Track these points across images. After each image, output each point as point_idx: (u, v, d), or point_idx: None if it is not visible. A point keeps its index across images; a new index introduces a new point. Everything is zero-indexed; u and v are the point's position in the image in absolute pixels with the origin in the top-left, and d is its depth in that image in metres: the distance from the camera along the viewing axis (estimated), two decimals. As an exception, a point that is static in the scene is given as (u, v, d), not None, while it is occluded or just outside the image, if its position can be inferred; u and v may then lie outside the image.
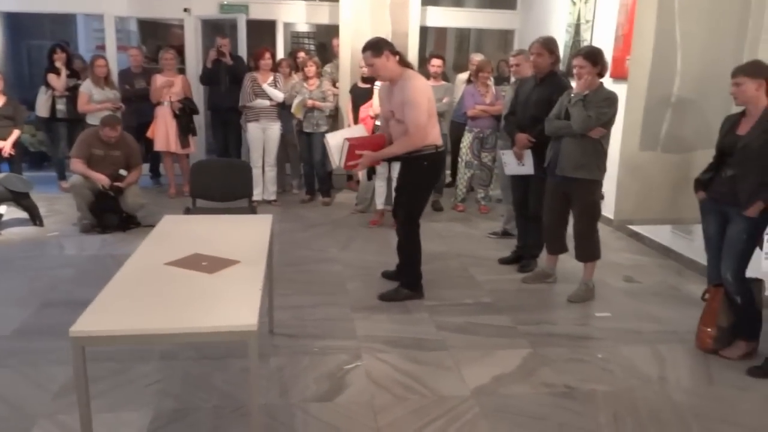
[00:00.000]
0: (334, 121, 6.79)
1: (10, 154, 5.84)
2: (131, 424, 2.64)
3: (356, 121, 6.23)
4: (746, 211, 3.15)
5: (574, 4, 6.69)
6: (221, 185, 4.56)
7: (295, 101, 6.22)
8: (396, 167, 4.93)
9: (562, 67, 6.08)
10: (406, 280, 4.12)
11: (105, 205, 5.34)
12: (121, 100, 6.51)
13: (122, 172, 5.36)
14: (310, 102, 6.22)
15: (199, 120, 7.03)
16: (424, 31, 7.74)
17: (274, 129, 6.42)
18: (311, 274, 4.54)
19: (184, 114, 6.55)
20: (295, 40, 10.00)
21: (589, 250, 4.15)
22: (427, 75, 6.10)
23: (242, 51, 7.31)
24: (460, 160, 6.32)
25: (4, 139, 5.81)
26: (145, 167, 6.77)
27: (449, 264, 4.85)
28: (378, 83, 6.07)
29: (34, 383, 2.94)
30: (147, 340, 2.28)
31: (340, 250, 5.10)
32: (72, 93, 6.57)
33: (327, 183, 6.70)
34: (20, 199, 5.35)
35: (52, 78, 6.56)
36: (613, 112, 3.88)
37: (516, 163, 4.61)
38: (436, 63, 6.29)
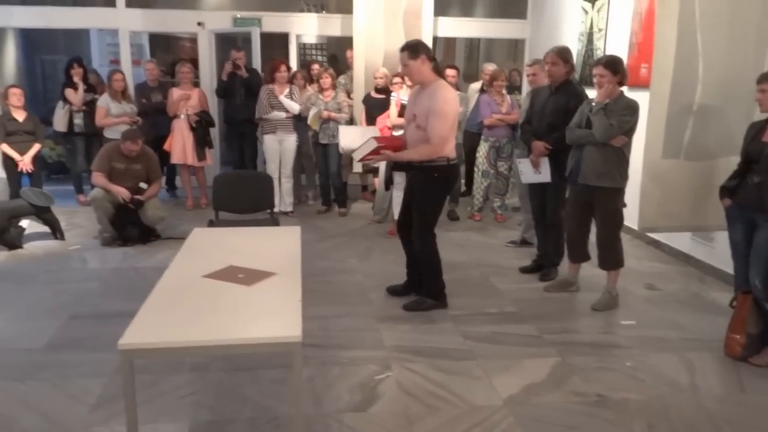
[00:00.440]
0: (349, 131, 6.83)
1: (30, 170, 5.89)
2: (169, 436, 2.66)
3: (372, 131, 6.28)
4: (774, 218, 3.17)
5: (586, 12, 6.73)
6: (243, 197, 4.60)
7: (311, 113, 6.26)
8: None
9: (576, 75, 6.14)
10: (429, 290, 4.12)
11: (125, 218, 5.38)
12: (138, 114, 6.57)
13: (142, 185, 5.40)
14: (325, 113, 6.26)
15: (213, 132, 7.09)
16: (434, 41, 7.78)
17: (291, 140, 6.46)
18: (333, 284, 4.56)
19: (201, 127, 6.60)
20: (305, 52, 10.07)
21: (612, 258, 4.16)
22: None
23: (256, 64, 7.37)
24: (476, 169, 6.35)
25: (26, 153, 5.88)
26: (161, 180, 6.82)
27: (470, 273, 4.86)
28: (394, 94, 6.14)
29: (69, 396, 2.96)
30: (194, 352, 2.30)
31: (359, 261, 5.12)
32: (89, 107, 6.64)
33: (343, 193, 6.73)
34: (42, 213, 5.40)
35: (69, 93, 6.62)
36: (634, 120, 3.90)
37: (533, 172, 4.63)
38: (450, 73, 6.33)
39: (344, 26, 7.67)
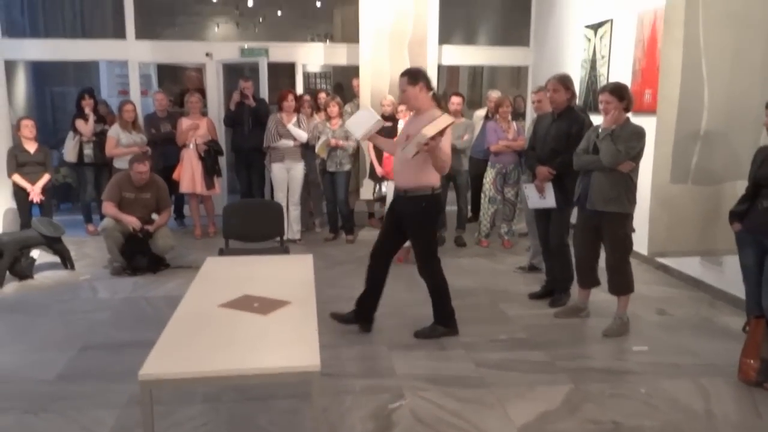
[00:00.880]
0: (356, 159, 6.89)
1: (41, 199, 5.95)
2: (183, 467, 2.65)
3: (379, 158, 6.33)
4: (785, 242, 3.18)
5: (589, 40, 6.82)
6: (253, 225, 4.62)
7: (320, 141, 6.32)
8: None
9: (579, 102, 6.21)
10: (439, 316, 4.12)
11: (135, 247, 5.41)
12: (147, 144, 6.64)
13: (154, 216, 5.45)
14: (333, 141, 6.33)
15: (221, 161, 7.15)
16: (438, 69, 7.88)
17: (298, 168, 6.52)
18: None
19: (210, 156, 6.67)
20: (309, 81, 10.20)
21: (622, 284, 4.15)
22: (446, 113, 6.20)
23: (264, 93, 7.47)
24: (483, 195, 6.38)
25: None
26: (170, 209, 6.86)
27: (479, 300, 4.86)
28: (401, 121, 6.20)
29: (82, 428, 2.95)
30: (215, 383, 2.31)
31: (368, 288, 5.11)
32: (98, 138, 6.72)
33: (350, 221, 6.76)
34: (53, 243, 5.43)
35: (80, 124, 6.71)
36: (641, 146, 3.94)
37: (538, 197, 4.66)
38: (455, 101, 6.42)
39: (350, 55, 7.78)
